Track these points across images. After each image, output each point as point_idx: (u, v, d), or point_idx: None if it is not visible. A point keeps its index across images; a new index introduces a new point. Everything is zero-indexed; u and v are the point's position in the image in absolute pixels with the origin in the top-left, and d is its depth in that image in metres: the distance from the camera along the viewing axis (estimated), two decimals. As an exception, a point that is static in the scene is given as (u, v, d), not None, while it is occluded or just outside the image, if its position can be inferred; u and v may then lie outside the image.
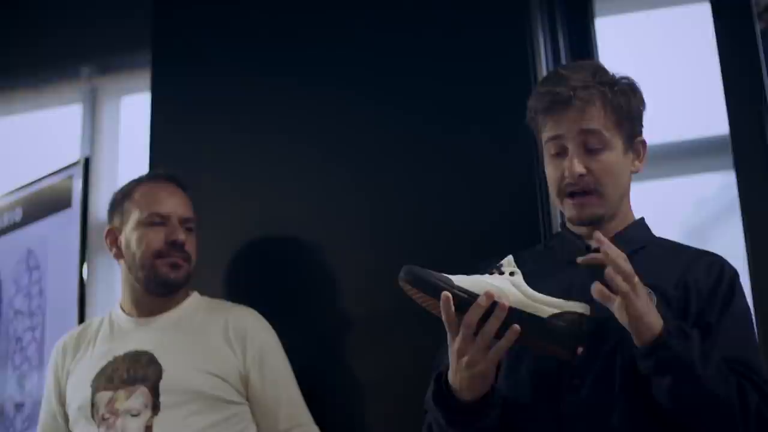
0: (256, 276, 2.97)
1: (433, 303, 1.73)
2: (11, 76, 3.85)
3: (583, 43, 2.92)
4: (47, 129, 3.81)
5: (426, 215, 2.77)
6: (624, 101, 1.95)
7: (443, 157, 2.80)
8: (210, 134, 3.12)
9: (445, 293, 1.70)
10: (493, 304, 1.68)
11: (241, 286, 2.94)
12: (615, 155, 1.94)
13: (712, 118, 2.72)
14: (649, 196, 2.64)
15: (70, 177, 3.39)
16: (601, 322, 1.77)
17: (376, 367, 2.71)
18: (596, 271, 1.91)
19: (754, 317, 1.94)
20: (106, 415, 2.42)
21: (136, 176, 2.69)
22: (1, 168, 3.79)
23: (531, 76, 2.74)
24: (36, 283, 3.41)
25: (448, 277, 1.73)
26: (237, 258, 2.97)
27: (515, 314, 1.69)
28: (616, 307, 1.69)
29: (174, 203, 2.59)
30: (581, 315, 1.73)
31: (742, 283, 1.92)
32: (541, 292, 1.75)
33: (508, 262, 1.77)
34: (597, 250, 1.92)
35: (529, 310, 1.71)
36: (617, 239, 1.97)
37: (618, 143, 1.95)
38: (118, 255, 2.61)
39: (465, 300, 1.70)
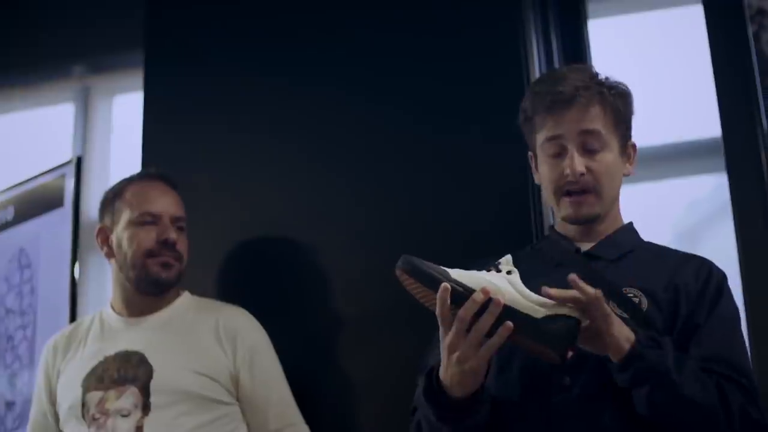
0: (248, 276, 2.96)
1: (428, 295, 1.73)
2: (3, 75, 3.84)
3: (576, 45, 2.92)
4: (39, 128, 3.81)
5: (417, 215, 2.77)
6: (621, 104, 1.98)
7: (435, 158, 2.80)
8: (202, 134, 3.12)
9: (445, 284, 1.69)
10: (488, 301, 1.68)
11: (232, 286, 2.94)
12: (612, 156, 1.97)
13: (705, 120, 2.73)
14: (641, 197, 2.66)
15: (63, 176, 3.39)
16: None
17: (367, 367, 2.71)
18: (587, 274, 1.92)
19: (745, 319, 1.95)
20: (97, 415, 2.42)
21: (127, 175, 2.69)
22: (-7, 167, 3.79)
23: (524, 78, 2.73)
24: (27, 281, 3.40)
25: (445, 270, 1.73)
26: (228, 258, 2.97)
27: (509, 312, 1.69)
28: (588, 339, 1.72)
29: (165, 202, 2.59)
30: (574, 319, 1.73)
31: (734, 285, 1.93)
32: None
33: (507, 261, 1.77)
34: (587, 254, 1.94)
35: (523, 310, 1.70)
36: (606, 243, 1.99)
37: (615, 145, 1.98)
38: (109, 254, 2.60)
39: (460, 294, 1.70)
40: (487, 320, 1.68)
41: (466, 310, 1.68)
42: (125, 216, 2.56)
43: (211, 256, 2.94)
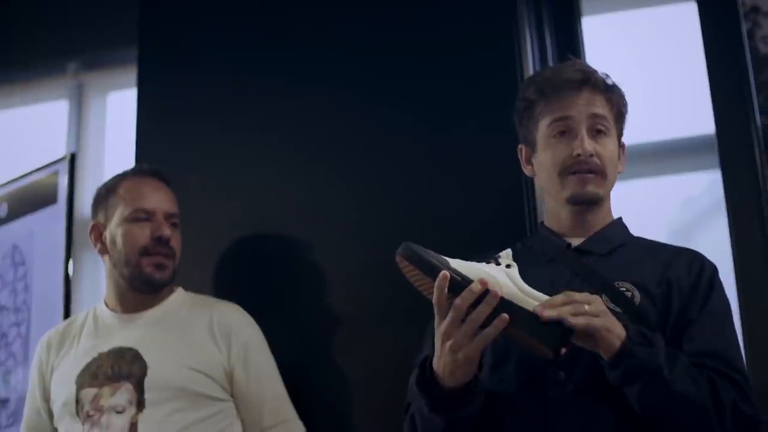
0: (242, 273, 2.96)
1: (426, 282, 1.73)
2: (-3, 71, 3.85)
3: (570, 42, 2.92)
4: (33, 124, 3.81)
5: (412, 212, 2.77)
6: (621, 102, 2.03)
7: (430, 155, 2.80)
8: (196, 131, 3.12)
9: (444, 272, 1.69)
10: (486, 292, 1.68)
11: (227, 283, 2.94)
12: (614, 146, 2.01)
13: (699, 118, 2.73)
14: (635, 194, 2.66)
15: (56, 173, 3.38)
16: None
17: (362, 364, 2.71)
18: (578, 269, 1.92)
19: (738, 315, 1.95)
20: (91, 412, 2.41)
21: (120, 171, 2.68)
22: (-14, 163, 3.78)
23: (518, 75, 2.74)
24: (21, 278, 3.40)
25: (445, 259, 1.73)
26: (223, 255, 2.97)
27: (506, 305, 1.69)
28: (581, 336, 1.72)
29: (159, 198, 2.58)
30: None
31: (728, 282, 1.94)
32: None
33: (507, 255, 1.78)
34: (578, 249, 1.95)
35: (520, 304, 1.71)
36: (596, 238, 2.00)
37: (614, 136, 2.02)
38: (103, 251, 2.60)
39: (459, 283, 1.70)
40: (482, 311, 1.68)
41: (463, 300, 1.69)
42: (119, 212, 2.56)
43: (205, 252, 2.94)
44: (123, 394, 2.41)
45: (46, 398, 2.57)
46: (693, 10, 2.76)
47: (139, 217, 2.54)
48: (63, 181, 3.34)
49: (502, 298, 1.69)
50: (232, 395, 2.50)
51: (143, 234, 2.53)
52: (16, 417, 3.16)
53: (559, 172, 1.98)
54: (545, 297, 1.72)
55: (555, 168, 1.99)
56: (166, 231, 2.54)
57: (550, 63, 2.84)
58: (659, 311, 1.85)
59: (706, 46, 2.71)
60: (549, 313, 1.68)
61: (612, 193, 2.06)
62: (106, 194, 2.61)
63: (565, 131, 1.97)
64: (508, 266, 1.75)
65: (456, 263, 1.73)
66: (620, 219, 2.08)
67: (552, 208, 2.07)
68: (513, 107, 2.10)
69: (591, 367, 1.79)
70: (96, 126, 3.67)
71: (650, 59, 2.89)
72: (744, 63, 2.62)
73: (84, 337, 2.58)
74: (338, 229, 2.85)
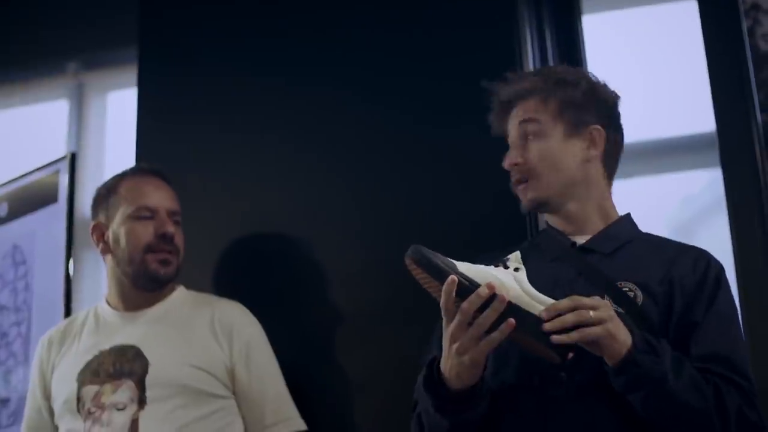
0: (243, 273, 2.96)
1: (434, 285, 1.73)
2: (-3, 71, 3.85)
3: (571, 41, 2.93)
4: (34, 124, 3.80)
5: (413, 211, 2.77)
6: (564, 93, 2.01)
7: (430, 154, 2.80)
8: (196, 131, 3.12)
9: (452, 277, 1.69)
10: (493, 296, 1.68)
11: (228, 282, 2.94)
12: (554, 141, 2.00)
13: (699, 115, 2.73)
14: (636, 192, 2.66)
15: (57, 172, 3.38)
16: None
17: (363, 363, 2.71)
18: (582, 268, 1.92)
19: (740, 314, 1.94)
20: (92, 409, 2.41)
21: (119, 171, 2.68)
22: (-13, 163, 3.78)
23: (518, 74, 2.74)
24: (22, 278, 3.40)
25: (453, 262, 1.73)
26: (223, 255, 2.97)
27: (513, 309, 1.69)
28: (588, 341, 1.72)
29: (161, 196, 2.58)
30: None
31: (729, 279, 1.93)
32: None
33: (515, 258, 1.77)
34: (582, 248, 1.94)
35: (526, 308, 1.71)
36: (600, 236, 1.99)
37: (557, 131, 2.00)
38: (105, 250, 2.60)
39: (466, 287, 1.70)
40: (489, 316, 1.68)
41: (470, 304, 1.69)
42: (121, 211, 2.56)
43: (205, 252, 2.94)
44: (124, 391, 2.41)
45: (47, 396, 2.57)
46: (693, 7, 2.76)
47: (142, 215, 2.54)
48: (63, 181, 3.34)
49: (509, 303, 1.69)
50: (233, 393, 2.51)
51: (147, 232, 2.53)
52: (16, 416, 3.16)
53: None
54: (552, 301, 1.71)
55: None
56: (170, 228, 2.55)
57: (551, 62, 2.84)
58: (661, 310, 1.84)
59: (707, 43, 2.71)
60: (551, 327, 1.68)
61: (612, 192, 2.06)
62: (106, 194, 2.61)
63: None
64: (516, 269, 1.75)
65: (464, 267, 1.73)
66: (628, 215, 2.07)
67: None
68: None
69: (593, 367, 1.78)
70: (96, 125, 3.67)
71: (651, 57, 2.89)
72: (744, 60, 2.62)
73: (85, 335, 2.58)
74: (338, 229, 2.85)
